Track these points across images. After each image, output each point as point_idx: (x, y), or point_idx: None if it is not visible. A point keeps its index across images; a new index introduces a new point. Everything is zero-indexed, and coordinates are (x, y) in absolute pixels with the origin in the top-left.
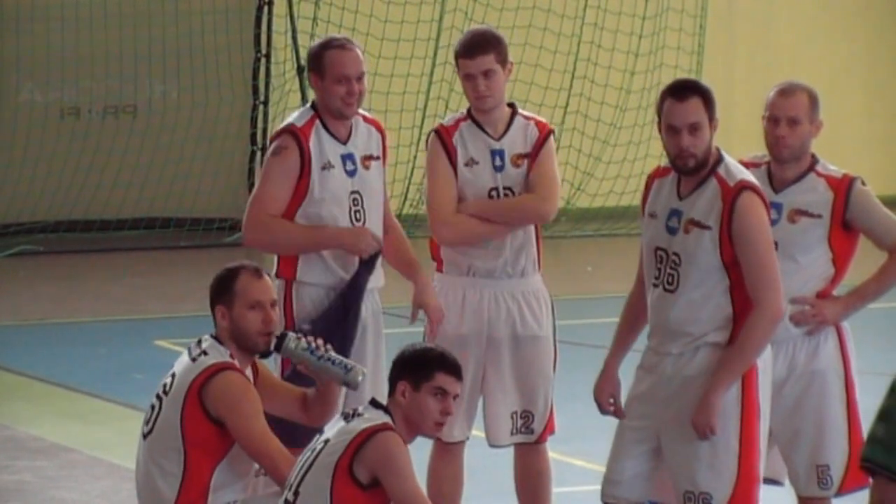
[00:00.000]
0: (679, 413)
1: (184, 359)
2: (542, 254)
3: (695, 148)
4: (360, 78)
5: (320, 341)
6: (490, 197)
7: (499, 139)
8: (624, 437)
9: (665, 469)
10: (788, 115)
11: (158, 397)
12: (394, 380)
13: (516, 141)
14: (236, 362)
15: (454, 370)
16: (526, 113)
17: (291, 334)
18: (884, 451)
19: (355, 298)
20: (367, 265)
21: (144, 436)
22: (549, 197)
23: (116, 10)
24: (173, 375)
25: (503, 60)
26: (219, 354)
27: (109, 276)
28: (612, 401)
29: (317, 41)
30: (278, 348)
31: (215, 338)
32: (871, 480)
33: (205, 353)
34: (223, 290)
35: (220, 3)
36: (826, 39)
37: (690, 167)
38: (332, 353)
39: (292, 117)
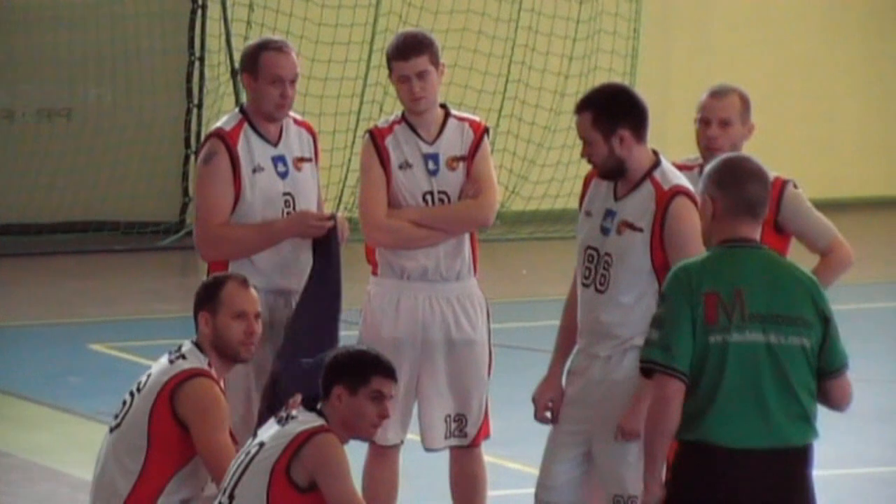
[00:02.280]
0: (608, 417)
1: (162, 360)
2: (477, 257)
3: (593, 157)
4: (293, 81)
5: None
6: (425, 201)
7: (432, 143)
8: (556, 441)
9: (595, 473)
10: (720, 117)
11: (131, 394)
12: (328, 384)
13: (452, 143)
14: (213, 371)
15: (390, 373)
16: (459, 113)
17: None
18: (661, 351)
19: (334, 274)
20: (326, 241)
21: (111, 430)
22: (489, 204)
23: (51, 13)
24: (149, 375)
25: (436, 62)
26: (197, 361)
27: (44, 280)
28: (550, 405)
29: (252, 42)
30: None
31: (196, 344)
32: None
33: (183, 357)
34: (209, 296)
35: (155, 7)
36: (763, 44)
37: (606, 176)
38: None
39: (220, 122)
